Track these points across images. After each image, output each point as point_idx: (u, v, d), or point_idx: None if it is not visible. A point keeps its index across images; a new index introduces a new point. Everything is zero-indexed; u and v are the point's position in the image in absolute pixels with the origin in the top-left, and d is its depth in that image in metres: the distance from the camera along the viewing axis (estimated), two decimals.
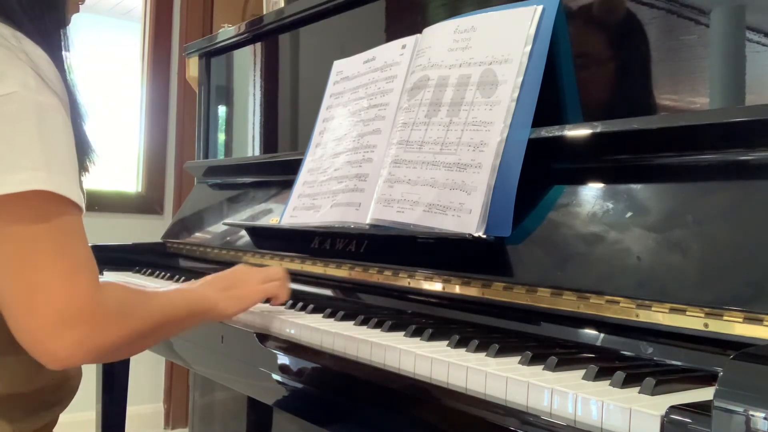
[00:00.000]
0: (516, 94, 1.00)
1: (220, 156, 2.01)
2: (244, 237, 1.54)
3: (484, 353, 0.80)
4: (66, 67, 0.86)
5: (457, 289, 1.01)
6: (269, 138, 1.81)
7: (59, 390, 0.89)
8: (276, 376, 0.99)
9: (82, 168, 0.84)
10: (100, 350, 0.75)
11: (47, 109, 0.74)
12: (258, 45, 1.85)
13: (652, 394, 0.63)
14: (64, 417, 0.94)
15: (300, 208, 1.33)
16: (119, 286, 0.82)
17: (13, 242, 0.71)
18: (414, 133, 1.12)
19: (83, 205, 0.77)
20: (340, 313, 1.04)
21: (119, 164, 3.06)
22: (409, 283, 1.09)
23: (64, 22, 0.88)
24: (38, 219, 0.72)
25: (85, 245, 0.76)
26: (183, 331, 1.00)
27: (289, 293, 1.10)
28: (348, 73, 1.37)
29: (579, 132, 0.95)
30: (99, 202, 2.70)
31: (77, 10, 0.94)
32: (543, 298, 0.89)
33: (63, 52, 0.86)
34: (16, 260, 0.71)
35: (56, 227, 0.73)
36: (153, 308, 0.85)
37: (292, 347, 0.98)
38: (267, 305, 1.19)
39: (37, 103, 0.73)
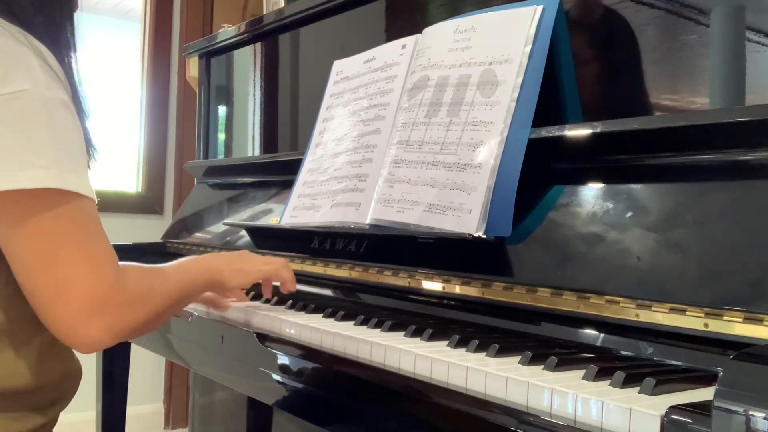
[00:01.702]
0: (516, 94, 1.00)
1: (220, 156, 2.01)
2: (244, 237, 1.54)
3: (484, 353, 0.80)
4: (72, 66, 0.87)
5: (457, 289, 1.01)
6: (269, 138, 1.81)
7: (60, 387, 0.89)
8: (276, 376, 0.99)
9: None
10: (126, 331, 0.80)
11: (57, 106, 0.76)
12: (258, 45, 1.85)
13: (652, 394, 0.63)
14: (64, 417, 0.94)
15: (300, 208, 1.33)
16: (138, 268, 0.86)
17: (35, 238, 0.74)
18: (414, 133, 1.12)
19: (95, 197, 0.80)
20: (340, 313, 1.04)
21: (119, 164, 3.06)
22: (409, 283, 1.09)
23: (72, 22, 0.89)
24: (56, 213, 0.75)
25: (103, 234, 0.80)
26: (195, 299, 1.09)
27: (293, 279, 1.13)
28: (348, 73, 1.37)
29: (579, 132, 0.95)
30: (99, 202, 2.69)
31: (75, 10, 0.94)
32: (543, 298, 0.89)
33: (70, 52, 0.87)
34: (41, 254, 0.74)
35: (74, 220, 0.76)
36: (171, 286, 0.90)
37: (292, 347, 0.98)
38: (267, 305, 1.19)
39: (47, 99, 0.75)
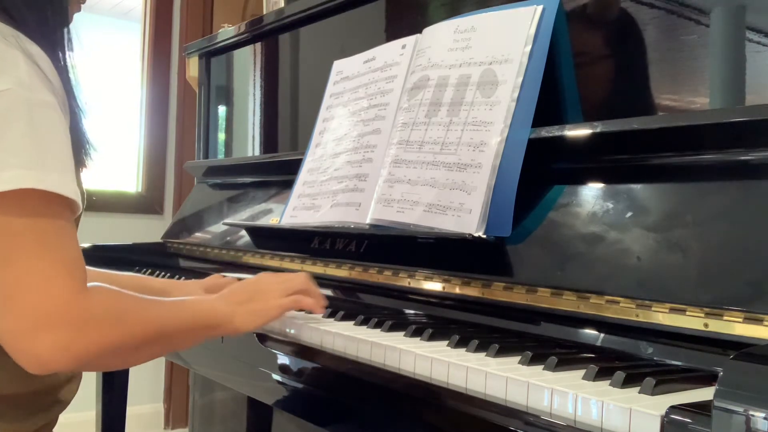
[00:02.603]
0: (516, 94, 1.00)
1: (220, 156, 2.01)
2: (244, 237, 1.54)
3: (484, 353, 0.80)
4: (68, 65, 0.85)
5: (457, 289, 1.01)
6: (269, 138, 1.81)
7: (59, 391, 0.89)
8: (276, 376, 0.99)
9: (80, 164, 0.83)
10: (84, 356, 0.71)
11: (40, 107, 0.73)
12: (258, 45, 1.85)
13: (652, 394, 0.63)
14: (64, 417, 0.94)
15: (300, 208, 1.33)
16: (111, 291, 0.78)
17: None
18: (414, 133, 1.12)
19: (80, 201, 0.75)
20: (340, 313, 1.04)
21: (119, 164, 3.06)
22: (409, 283, 1.09)
23: (66, 21, 0.87)
24: (23, 217, 0.70)
25: (72, 247, 0.73)
26: (191, 344, 0.93)
27: (318, 301, 1.02)
28: (348, 73, 1.37)
29: (579, 132, 0.95)
30: (99, 202, 2.70)
31: (79, 9, 0.94)
32: (543, 298, 0.89)
33: (65, 51, 0.86)
34: None
35: (40, 226, 0.70)
36: (149, 317, 0.80)
37: (292, 347, 0.98)
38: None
39: (30, 100, 0.72)
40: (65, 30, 0.86)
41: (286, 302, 0.98)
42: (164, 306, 0.85)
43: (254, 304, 0.95)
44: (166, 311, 0.84)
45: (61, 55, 0.84)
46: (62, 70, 0.81)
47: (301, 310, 1.05)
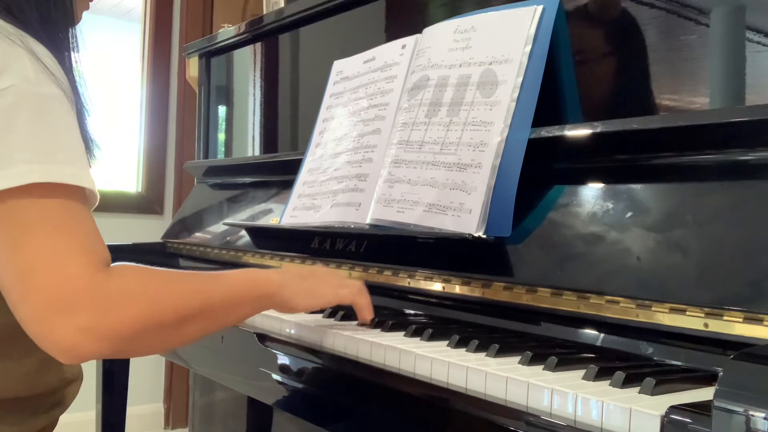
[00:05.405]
0: (516, 94, 1.00)
1: (220, 156, 2.01)
2: (244, 237, 1.54)
3: (484, 353, 0.80)
4: (72, 64, 0.85)
5: (457, 289, 1.01)
6: (269, 138, 1.81)
7: (59, 393, 0.89)
8: (276, 376, 0.99)
9: None
10: (113, 338, 0.68)
11: (47, 100, 0.72)
12: (258, 45, 1.85)
13: (652, 394, 0.63)
14: (64, 417, 0.94)
15: (300, 208, 1.33)
16: (136, 267, 0.75)
17: (7, 231, 0.68)
18: (414, 133, 1.12)
19: (95, 189, 0.74)
20: (340, 313, 1.04)
21: (119, 164, 3.06)
22: (409, 283, 1.09)
23: (72, 20, 0.87)
24: (34, 207, 0.69)
25: (89, 227, 0.72)
26: (242, 317, 0.87)
27: (370, 306, 0.97)
28: (348, 73, 1.37)
29: (579, 132, 0.95)
30: (99, 203, 2.69)
31: (87, 8, 0.93)
32: (543, 298, 0.89)
33: (71, 51, 0.85)
34: (11, 248, 0.68)
35: (54, 211, 0.70)
36: (184, 291, 0.76)
37: (292, 347, 0.98)
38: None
39: (36, 94, 0.71)
40: (71, 30, 0.86)
41: (345, 292, 0.95)
42: (204, 279, 0.81)
43: (311, 284, 0.92)
44: (205, 284, 0.80)
45: (66, 54, 0.84)
46: (68, 70, 0.81)
47: (346, 319, 1.04)
